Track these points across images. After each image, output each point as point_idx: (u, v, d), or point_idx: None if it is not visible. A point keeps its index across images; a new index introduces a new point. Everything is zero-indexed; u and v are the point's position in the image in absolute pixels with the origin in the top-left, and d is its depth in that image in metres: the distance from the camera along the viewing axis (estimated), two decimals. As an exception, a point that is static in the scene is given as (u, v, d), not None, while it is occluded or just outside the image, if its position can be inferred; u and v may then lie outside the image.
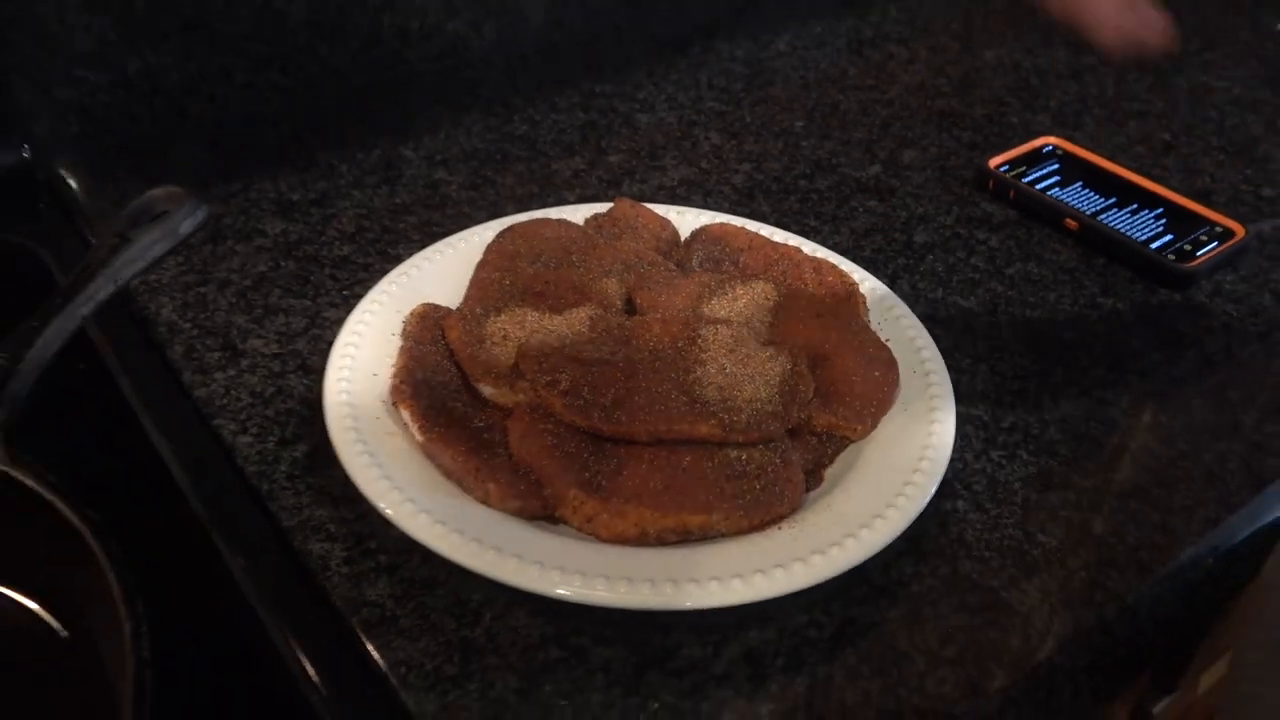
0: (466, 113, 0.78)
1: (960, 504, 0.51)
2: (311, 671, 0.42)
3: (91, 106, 0.70)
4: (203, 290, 0.61)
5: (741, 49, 0.88)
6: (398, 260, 0.62)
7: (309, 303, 0.60)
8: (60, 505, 0.39)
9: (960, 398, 0.53)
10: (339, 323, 0.57)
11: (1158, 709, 0.68)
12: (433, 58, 0.82)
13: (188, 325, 0.58)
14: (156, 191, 0.51)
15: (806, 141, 0.77)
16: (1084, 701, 0.48)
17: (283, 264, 0.63)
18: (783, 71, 0.85)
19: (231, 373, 0.55)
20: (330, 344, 0.56)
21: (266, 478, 0.50)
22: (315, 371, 0.56)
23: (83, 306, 0.46)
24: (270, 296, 0.60)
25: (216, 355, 0.56)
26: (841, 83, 0.84)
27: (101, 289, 0.47)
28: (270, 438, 0.52)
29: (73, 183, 0.68)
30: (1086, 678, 0.46)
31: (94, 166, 0.70)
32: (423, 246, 0.62)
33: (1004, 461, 0.53)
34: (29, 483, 0.40)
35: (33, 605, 0.41)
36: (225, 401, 0.54)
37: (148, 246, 0.49)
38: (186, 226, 0.50)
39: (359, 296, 0.59)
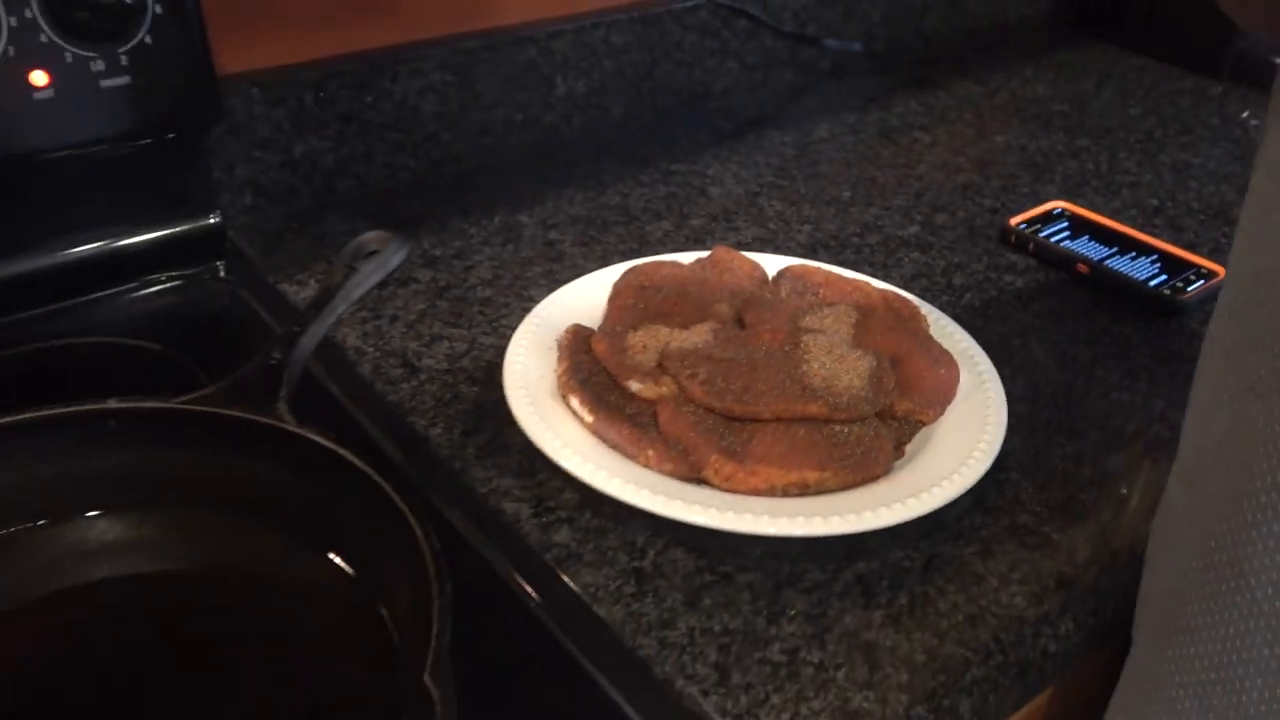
0: (566, 187, 0.92)
1: (1014, 475, 0.63)
2: (531, 592, 0.54)
3: (264, 182, 0.84)
4: (378, 323, 0.74)
5: (789, 136, 1.03)
6: (531, 300, 0.76)
7: (465, 331, 0.73)
8: (349, 456, 0.51)
9: (1007, 399, 0.66)
10: (494, 346, 0.71)
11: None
12: (532, 144, 0.97)
13: (370, 349, 0.71)
14: (369, 234, 0.64)
15: (854, 208, 0.91)
16: (1128, 619, 0.60)
17: (438, 303, 0.76)
18: (826, 153, 1.00)
19: (414, 384, 0.68)
20: (490, 362, 0.70)
21: (459, 458, 0.62)
22: (481, 382, 0.68)
23: (329, 318, 0.59)
24: (433, 327, 0.74)
25: (399, 371, 0.69)
26: (877, 162, 0.99)
27: (340, 305, 0.60)
28: (455, 429, 0.65)
29: (246, 243, 0.81)
30: (1125, 599, 0.58)
31: (264, 230, 0.83)
32: (550, 289, 0.75)
33: (1043, 444, 0.66)
34: (319, 440, 0.52)
35: (333, 556, 0.53)
36: (414, 404, 0.67)
37: (369, 274, 0.62)
38: (395, 260, 0.63)
39: (506, 327, 0.72)
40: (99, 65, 0.66)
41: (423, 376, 0.69)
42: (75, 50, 0.65)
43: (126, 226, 0.74)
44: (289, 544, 0.53)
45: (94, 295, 0.73)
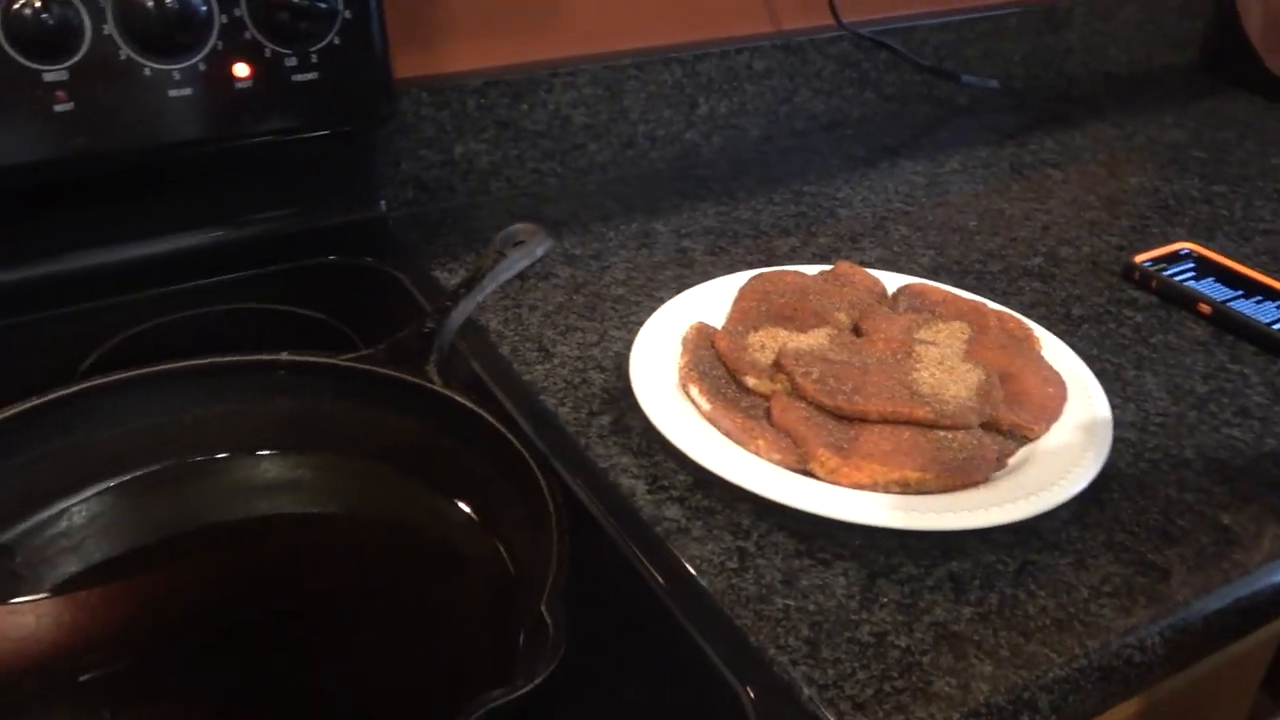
0: (701, 200, 0.97)
1: (1114, 495, 0.65)
2: (640, 557, 0.58)
3: (425, 179, 0.92)
4: (518, 311, 0.80)
5: (921, 166, 1.06)
6: (661, 300, 0.81)
7: (598, 324, 0.79)
8: (487, 417, 0.57)
9: (1114, 425, 0.68)
10: (623, 339, 0.76)
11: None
12: (672, 158, 1.03)
13: (510, 333, 0.77)
14: (519, 226, 0.71)
15: (979, 236, 0.94)
16: (1213, 641, 0.61)
17: (574, 297, 0.82)
18: (956, 184, 1.03)
19: (548, 366, 0.74)
20: (618, 353, 0.75)
21: (583, 435, 0.68)
22: (608, 370, 0.74)
23: (477, 295, 0.65)
24: (568, 319, 0.79)
25: (535, 354, 0.75)
26: (1006, 195, 1.01)
27: (488, 285, 0.66)
28: (582, 410, 0.70)
29: (405, 232, 0.89)
30: (1217, 620, 0.59)
31: (421, 222, 0.90)
32: (678, 292, 0.80)
33: (1148, 471, 0.68)
34: (461, 400, 0.58)
35: (459, 502, 0.58)
36: (546, 384, 0.72)
37: (516, 260, 0.68)
38: (540, 250, 0.69)
39: (635, 322, 0.77)
40: (292, 61, 0.74)
41: (556, 361, 0.74)
42: (274, 47, 0.73)
43: (303, 209, 0.82)
44: (422, 490, 0.59)
45: (270, 269, 0.81)
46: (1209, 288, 0.85)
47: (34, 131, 0.68)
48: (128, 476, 0.59)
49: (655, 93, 0.99)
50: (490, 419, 0.57)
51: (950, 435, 0.63)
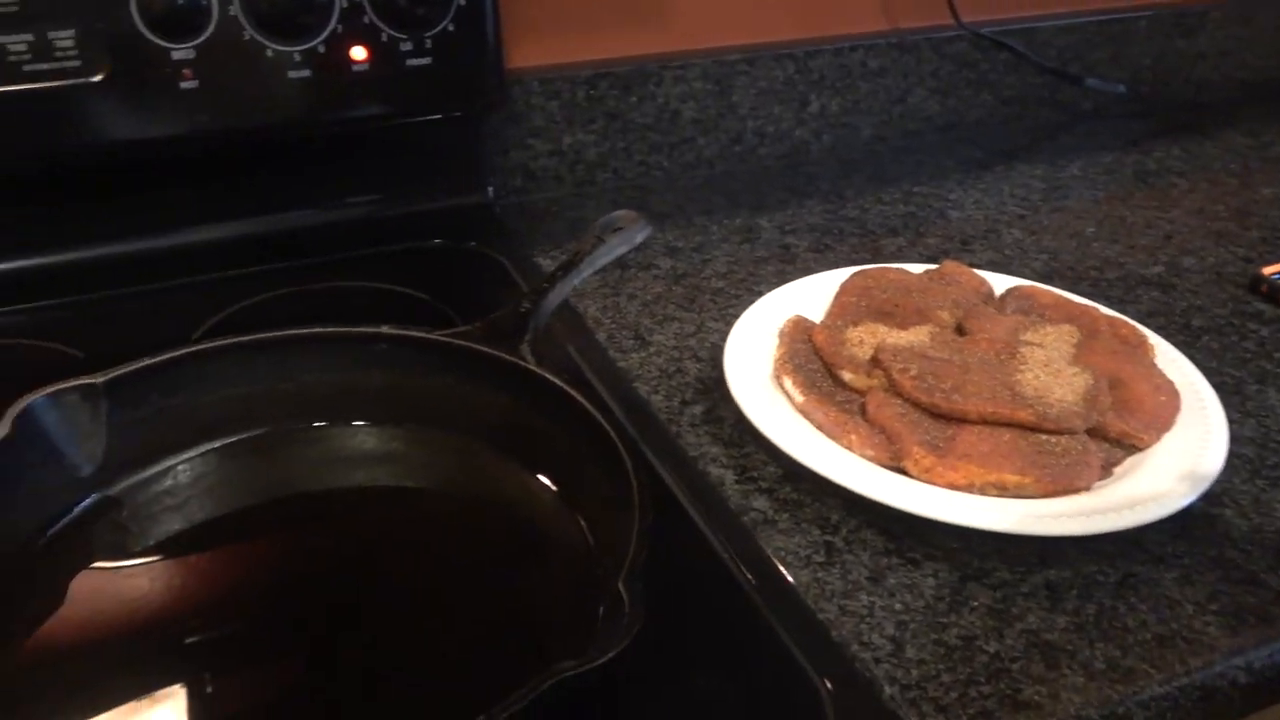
0: (808, 198, 0.96)
1: (1227, 512, 0.62)
2: (725, 545, 0.58)
3: (533, 168, 0.93)
4: (616, 299, 0.80)
5: (1039, 170, 1.03)
6: (760, 294, 0.80)
7: (696, 315, 0.78)
8: (578, 397, 0.57)
9: (1231, 439, 0.65)
10: (720, 331, 0.75)
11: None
12: (780, 155, 1.02)
13: (607, 321, 0.77)
14: (618, 213, 0.71)
15: (1096, 243, 0.91)
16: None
17: (673, 288, 0.82)
18: (1075, 190, 1.00)
19: (643, 355, 0.74)
20: (714, 344, 0.74)
21: (675, 423, 0.67)
22: (704, 361, 0.73)
23: (575, 278, 0.66)
24: (666, 308, 0.79)
25: (630, 342, 0.75)
26: (1128, 202, 0.98)
27: (585, 269, 0.66)
28: (675, 399, 0.70)
29: (510, 219, 0.90)
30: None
31: (527, 209, 0.92)
32: (779, 286, 0.79)
33: (1266, 488, 0.64)
34: (553, 379, 0.58)
35: (545, 479, 0.59)
36: (640, 372, 0.72)
37: (614, 247, 0.68)
38: (639, 238, 0.69)
39: (733, 315, 0.77)
40: (407, 46, 0.76)
41: (651, 349, 0.74)
42: (390, 32, 0.75)
43: (413, 193, 0.84)
44: (511, 466, 0.60)
45: (378, 249, 0.82)
46: (1343, 303, 0.81)
47: (161, 107, 0.71)
48: (231, 439, 0.61)
49: (766, 89, 0.98)
50: (581, 399, 0.57)
51: (1053, 440, 0.61)
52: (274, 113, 0.74)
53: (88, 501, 0.56)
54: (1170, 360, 0.69)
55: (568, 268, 0.66)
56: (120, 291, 0.76)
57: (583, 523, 0.56)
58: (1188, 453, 0.62)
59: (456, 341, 0.61)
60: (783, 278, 0.83)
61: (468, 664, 0.50)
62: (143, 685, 0.48)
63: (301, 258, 0.80)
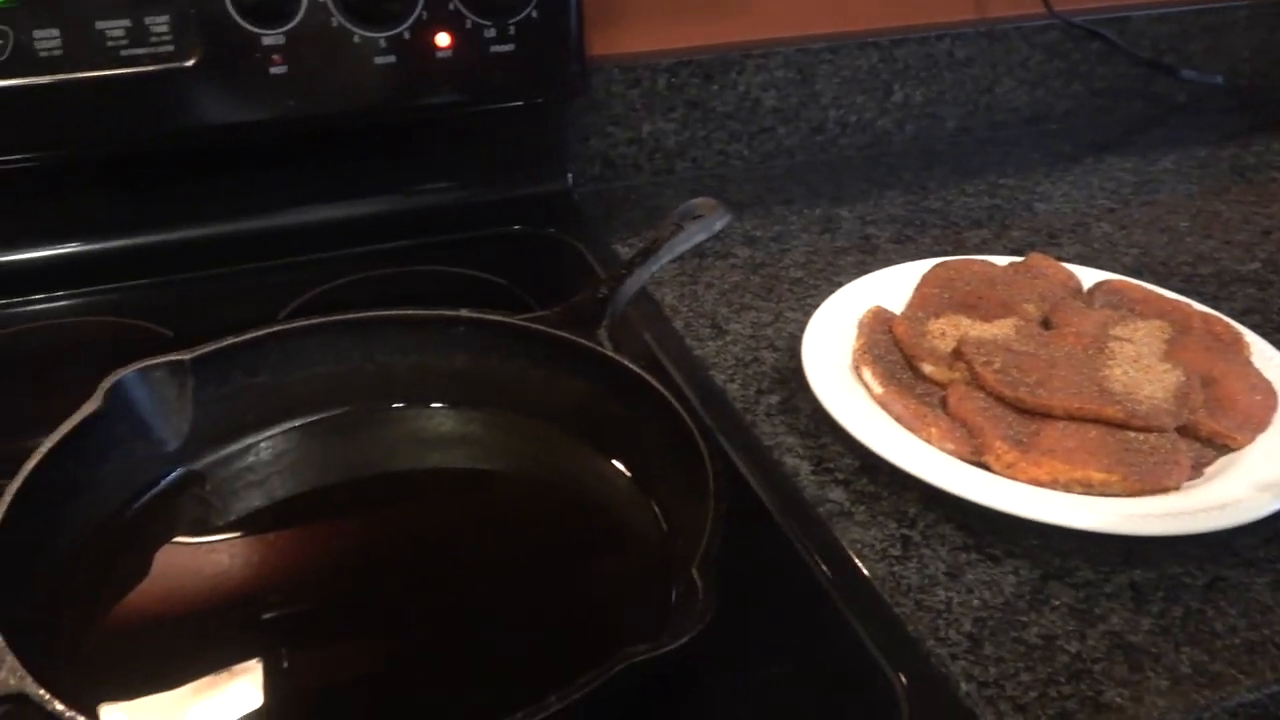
0: (890, 189, 0.94)
1: (1326, 516, 0.60)
2: (802, 541, 0.57)
3: (612, 156, 0.93)
4: (694, 287, 0.79)
5: (1130, 163, 1.00)
6: (839, 285, 0.79)
7: (773, 304, 0.78)
8: (654, 383, 0.57)
9: (1330, 440, 0.62)
10: (798, 321, 0.75)
11: None
12: (862, 146, 1.00)
13: (684, 309, 0.77)
14: (697, 200, 0.70)
15: (1190, 238, 0.88)
16: None
17: (751, 278, 0.81)
18: (1168, 184, 0.97)
19: (719, 343, 0.73)
20: (791, 334, 0.73)
21: (750, 412, 0.67)
22: (781, 350, 0.72)
23: (653, 265, 0.65)
24: (744, 298, 0.78)
25: (707, 330, 0.75)
26: (1224, 197, 0.95)
27: (664, 256, 0.66)
28: (752, 387, 0.69)
29: (588, 207, 0.90)
30: None
31: (605, 197, 0.92)
32: (859, 277, 0.78)
33: (1368, 493, 0.62)
34: (630, 365, 0.58)
35: (619, 464, 0.59)
36: (716, 360, 0.72)
37: (693, 234, 0.68)
38: (718, 225, 0.69)
39: (812, 305, 0.76)
40: (491, 33, 0.76)
41: (728, 338, 0.74)
42: (474, 18, 0.75)
43: (493, 179, 0.85)
44: (585, 450, 0.60)
45: (458, 235, 0.83)
46: None
47: (251, 93, 0.73)
48: (312, 418, 0.62)
49: (849, 78, 0.97)
50: (658, 386, 0.56)
51: (1141, 437, 0.59)
52: (360, 98, 0.75)
53: (173, 475, 0.58)
54: (1266, 359, 0.67)
55: (646, 254, 0.65)
56: (208, 273, 0.77)
57: (656, 509, 0.56)
58: (1283, 455, 0.60)
59: (534, 326, 0.61)
60: (862, 269, 0.82)
61: (539, 646, 0.50)
62: (220, 659, 0.48)
63: (383, 242, 0.81)
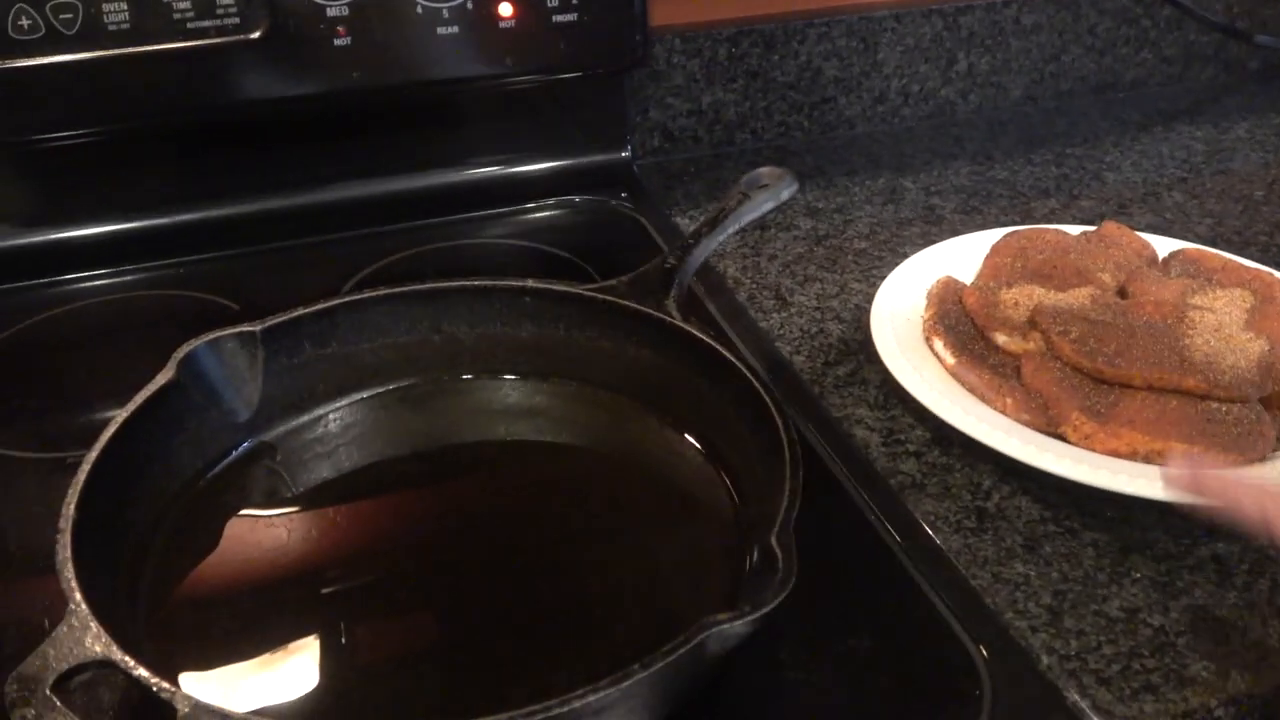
0: (954, 159, 0.93)
1: None
2: (876, 512, 0.57)
3: (672, 128, 0.92)
4: (757, 259, 0.79)
5: (1201, 131, 0.98)
6: (904, 256, 0.78)
7: (838, 276, 0.77)
8: (725, 353, 0.56)
9: None
10: (863, 292, 0.74)
11: None
12: (925, 115, 0.99)
13: (747, 281, 0.76)
14: (764, 169, 0.69)
15: (1266, 207, 0.85)
16: None
17: (815, 249, 0.80)
18: (1242, 152, 0.94)
19: (784, 315, 0.73)
20: (857, 305, 0.73)
21: (818, 384, 0.66)
22: (847, 322, 0.72)
23: (720, 234, 0.65)
24: (808, 269, 0.77)
25: (771, 302, 0.74)
26: (1301, 164, 0.92)
27: (731, 225, 0.65)
28: (818, 359, 0.68)
29: (649, 179, 0.89)
30: None
31: (665, 169, 0.91)
32: (924, 248, 0.77)
33: None
34: (701, 335, 0.58)
35: (689, 435, 0.59)
36: (782, 332, 0.71)
37: (760, 203, 0.67)
38: (786, 194, 0.68)
39: (877, 276, 0.75)
40: (554, 2, 0.76)
41: (793, 310, 0.73)
42: (537, -14, 0.75)
43: (554, 150, 0.84)
44: (655, 421, 0.59)
45: (520, 206, 0.83)
46: None
47: (317, 65, 0.72)
48: (381, 389, 0.62)
49: (912, 46, 0.95)
50: (729, 356, 0.56)
51: (1223, 408, 0.58)
52: (424, 70, 0.75)
53: (245, 446, 0.58)
54: (1353, 329, 0.65)
55: (713, 224, 0.65)
56: (272, 246, 0.78)
57: (726, 480, 0.56)
58: (1374, 426, 0.58)
59: (602, 296, 0.61)
60: (928, 240, 0.81)
61: (614, 617, 0.50)
62: (292, 631, 0.49)
63: (443, 215, 0.81)
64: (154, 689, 0.39)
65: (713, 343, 0.57)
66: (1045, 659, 0.49)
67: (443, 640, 0.50)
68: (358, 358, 0.61)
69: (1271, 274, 0.69)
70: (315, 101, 0.74)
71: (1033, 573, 0.53)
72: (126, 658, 0.40)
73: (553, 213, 0.83)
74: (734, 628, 0.41)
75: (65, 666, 0.39)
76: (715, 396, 0.57)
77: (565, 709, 0.38)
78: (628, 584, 0.52)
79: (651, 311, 0.60)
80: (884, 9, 0.93)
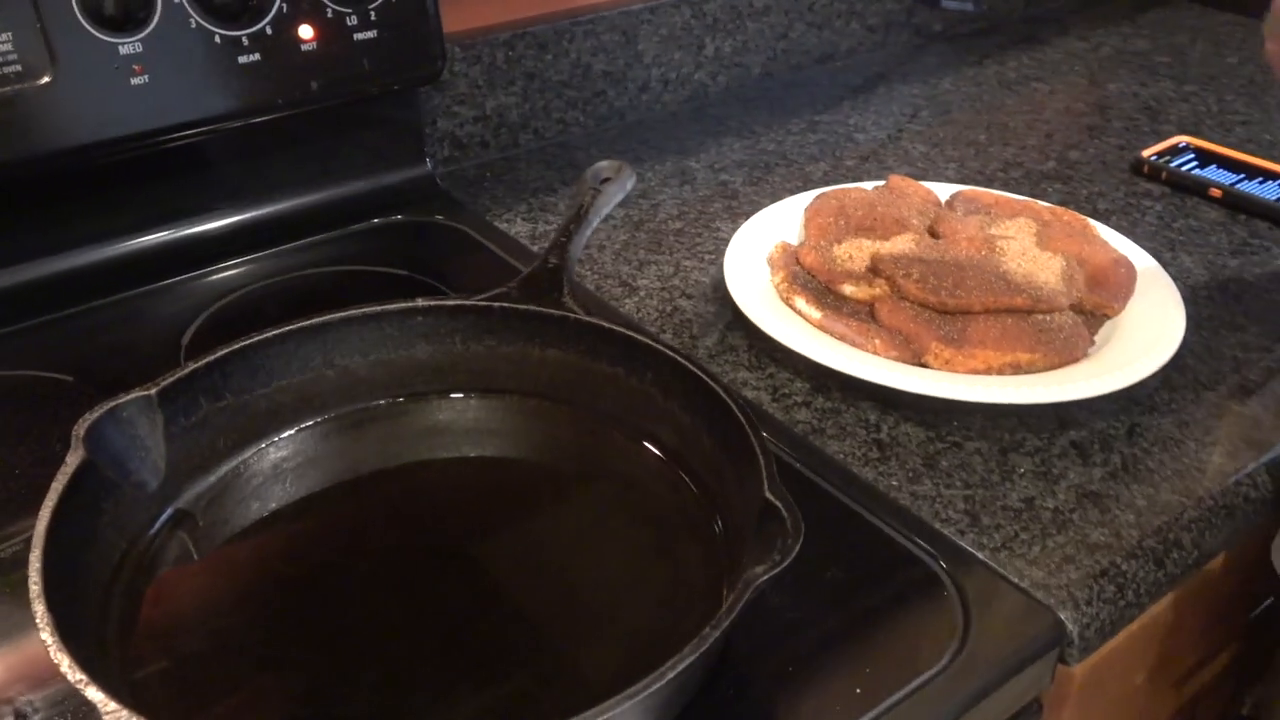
0: (724, 137, 1.00)
1: (1190, 360, 0.71)
2: (795, 464, 0.61)
3: (459, 135, 0.92)
4: (589, 251, 0.81)
5: (916, 89, 1.10)
6: (717, 231, 0.84)
7: (669, 257, 0.81)
8: (639, 337, 0.59)
9: (1173, 294, 0.73)
10: (698, 268, 0.79)
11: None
12: (684, 99, 1.05)
13: (589, 273, 0.79)
14: (602, 163, 0.72)
15: (992, 148, 0.99)
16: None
17: (637, 234, 0.84)
18: (955, 103, 1.08)
19: (636, 299, 0.76)
20: (697, 280, 0.77)
21: (691, 360, 0.70)
22: (694, 297, 0.76)
23: (587, 229, 0.67)
24: (639, 255, 0.81)
25: (619, 289, 0.77)
26: (1003, 109, 1.07)
27: (594, 219, 0.68)
28: (684, 334, 0.72)
29: (449, 188, 0.89)
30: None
31: (461, 178, 0.91)
32: (732, 222, 0.83)
33: (1212, 335, 0.73)
34: (611, 326, 0.60)
35: (619, 424, 0.61)
36: (640, 315, 0.74)
37: (612, 195, 0.70)
38: (630, 184, 0.71)
39: (704, 252, 0.80)
40: (353, 20, 0.74)
41: (641, 294, 0.77)
42: (335, 7, 0.73)
43: (357, 171, 0.83)
44: (577, 417, 0.61)
45: (340, 231, 0.81)
46: (1214, 174, 0.92)
47: (114, 106, 0.67)
48: (285, 433, 0.59)
49: (667, 35, 1.01)
50: (645, 340, 0.59)
51: (1047, 318, 0.67)
52: (228, 102, 0.71)
53: (164, 518, 0.54)
54: (1109, 237, 0.77)
55: (578, 220, 0.67)
56: (88, 306, 0.71)
57: (665, 458, 0.58)
58: (1154, 314, 0.70)
59: (499, 304, 0.62)
60: (732, 212, 0.87)
61: (578, 633, 0.52)
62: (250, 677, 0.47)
63: (265, 249, 0.78)
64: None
65: (626, 331, 0.60)
66: (981, 555, 0.56)
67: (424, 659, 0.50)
68: (253, 405, 0.59)
69: (1035, 203, 0.80)
70: (116, 146, 0.69)
71: (940, 486, 0.60)
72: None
73: (372, 234, 0.82)
74: (771, 578, 0.44)
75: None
76: (636, 382, 0.59)
77: (662, 681, 0.40)
78: (592, 584, 0.54)
79: (553, 312, 0.61)
80: (639, 3, 0.98)
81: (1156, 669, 0.70)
